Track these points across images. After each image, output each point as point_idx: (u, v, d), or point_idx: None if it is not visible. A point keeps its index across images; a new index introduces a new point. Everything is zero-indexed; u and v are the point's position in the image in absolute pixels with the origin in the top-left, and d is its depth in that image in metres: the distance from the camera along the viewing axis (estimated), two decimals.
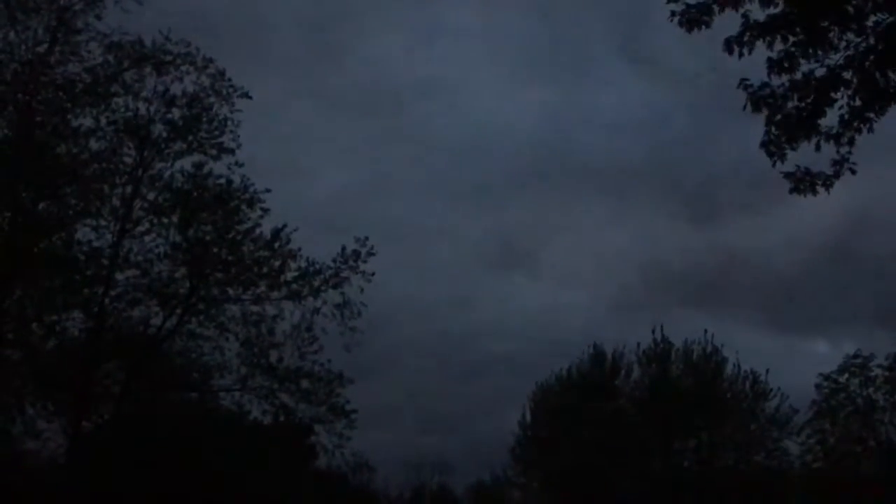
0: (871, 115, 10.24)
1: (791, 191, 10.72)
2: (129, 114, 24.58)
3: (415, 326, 57.30)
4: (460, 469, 52.65)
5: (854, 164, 10.49)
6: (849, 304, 56.56)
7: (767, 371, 38.89)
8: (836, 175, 10.57)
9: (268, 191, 25.40)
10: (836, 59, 10.16)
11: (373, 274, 25.16)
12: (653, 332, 39.97)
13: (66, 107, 23.90)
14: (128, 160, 24.72)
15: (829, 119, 10.40)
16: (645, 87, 73.67)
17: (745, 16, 10.17)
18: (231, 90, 24.97)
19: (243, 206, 25.17)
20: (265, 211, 25.26)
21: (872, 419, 36.38)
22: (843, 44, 10.10)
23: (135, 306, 25.13)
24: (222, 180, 25.12)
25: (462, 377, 59.77)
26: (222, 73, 24.94)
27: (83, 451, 25.23)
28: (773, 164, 10.55)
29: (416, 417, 56.29)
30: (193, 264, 24.88)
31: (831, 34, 10.08)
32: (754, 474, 37.87)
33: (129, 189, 24.73)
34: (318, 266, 25.19)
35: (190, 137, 24.97)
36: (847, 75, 10.17)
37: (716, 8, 10.23)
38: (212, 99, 24.93)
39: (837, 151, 10.45)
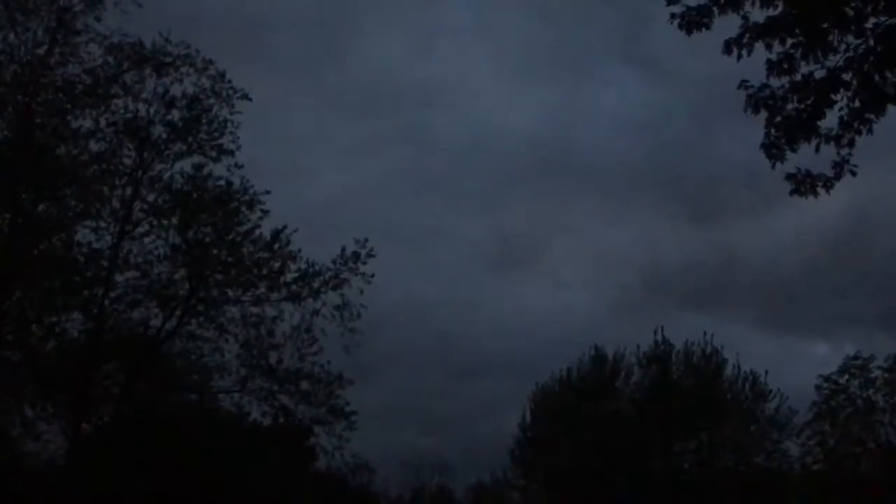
0: (871, 116, 10.24)
1: (792, 192, 10.72)
2: (129, 115, 24.64)
3: (414, 327, 57.16)
4: (460, 470, 52.59)
5: (854, 165, 10.49)
6: (849, 306, 56.51)
7: (767, 372, 38.95)
8: (837, 176, 10.58)
9: (267, 192, 25.49)
10: (835, 60, 10.16)
11: (372, 275, 25.23)
12: (654, 333, 40.03)
13: (66, 108, 23.93)
14: (127, 162, 24.79)
15: (829, 121, 10.42)
16: (645, 88, 73.69)
17: (744, 17, 10.18)
18: (231, 92, 25.04)
19: (243, 208, 25.21)
20: (265, 212, 25.33)
21: (872, 420, 36.39)
22: (843, 46, 10.10)
23: (134, 308, 25.18)
24: (222, 182, 25.20)
25: (462, 378, 59.69)
26: (222, 75, 25.02)
27: (83, 453, 25.23)
28: (773, 166, 10.56)
29: (415, 418, 56.13)
30: (193, 266, 24.89)
31: (831, 36, 10.08)
32: (754, 475, 37.85)
33: (128, 190, 24.77)
34: (317, 267, 25.25)
35: (190, 139, 25.00)
36: (847, 77, 10.16)
37: (716, 10, 10.24)
38: (212, 100, 25.01)
39: (837, 153, 10.46)
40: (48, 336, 24.43)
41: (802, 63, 10.19)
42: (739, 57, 10.17)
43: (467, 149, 77.88)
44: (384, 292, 28.15)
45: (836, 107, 10.32)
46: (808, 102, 10.33)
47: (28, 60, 23.63)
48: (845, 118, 10.32)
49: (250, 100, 25.19)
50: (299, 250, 25.29)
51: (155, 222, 24.86)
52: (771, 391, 38.68)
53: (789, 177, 10.65)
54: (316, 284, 25.11)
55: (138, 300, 24.99)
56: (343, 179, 69.07)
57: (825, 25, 10.06)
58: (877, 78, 10.06)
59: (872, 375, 36.39)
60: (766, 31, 10.13)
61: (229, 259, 25.16)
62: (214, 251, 25.19)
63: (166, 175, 25.02)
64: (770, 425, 38.51)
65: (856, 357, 36.62)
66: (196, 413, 28.30)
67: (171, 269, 25.02)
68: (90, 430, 26.31)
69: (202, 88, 24.92)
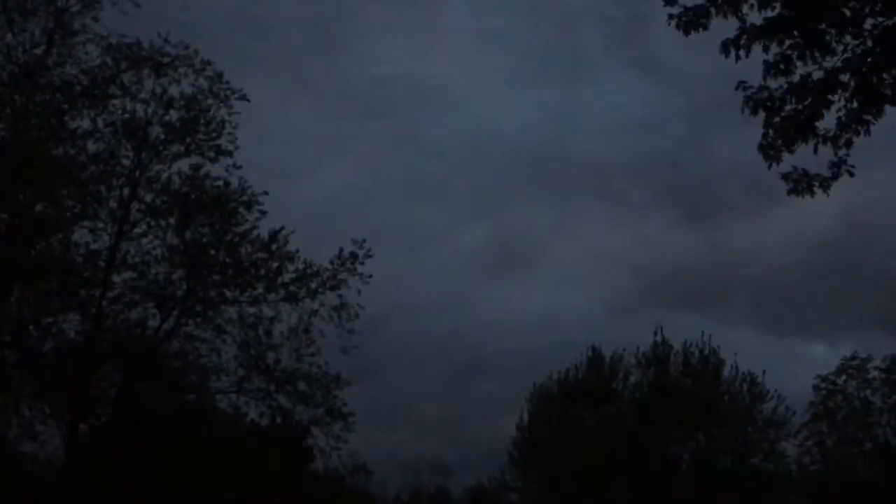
0: (869, 117, 10.26)
1: (789, 192, 10.76)
2: (127, 116, 24.63)
3: (412, 328, 57.14)
4: (458, 471, 52.59)
5: (852, 166, 10.52)
6: (846, 306, 56.56)
7: (765, 373, 38.91)
8: (834, 177, 10.60)
9: (265, 193, 25.47)
10: (833, 62, 10.18)
11: (370, 276, 25.22)
12: (655, 333, 40.02)
13: (64, 108, 23.91)
14: (125, 162, 24.77)
15: (827, 122, 10.44)
16: (643, 89, 73.74)
17: (742, 18, 10.19)
18: (229, 92, 25.04)
19: (241, 208, 25.19)
20: (263, 213, 25.32)
21: (870, 421, 36.40)
22: (841, 47, 10.11)
23: (132, 308, 25.14)
24: (220, 182, 25.17)
25: (460, 379, 59.64)
26: (220, 76, 25.01)
27: (80, 454, 25.19)
28: (769, 167, 10.59)
29: (413, 419, 56.08)
30: (191, 266, 24.87)
31: (828, 37, 10.09)
32: (752, 476, 37.85)
33: (126, 191, 24.74)
34: (315, 268, 25.23)
35: (188, 139, 24.99)
36: (844, 78, 10.18)
37: (713, 11, 10.24)
38: (210, 101, 24.98)
39: (835, 154, 10.48)
40: (45, 337, 24.40)
41: (800, 64, 10.21)
42: (738, 58, 10.19)
43: (466, 150, 77.96)
44: (382, 293, 28.18)
45: (834, 108, 10.35)
46: (806, 103, 10.34)
47: (25, 61, 23.63)
48: (843, 119, 10.34)
49: (248, 100, 25.23)
50: (297, 251, 25.32)
51: (153, 223, 24.85)
52: (768, 392, 38.70)
53: (786, 176, 10.68)
54: (314, 285, 25.11)
55: (136, 301, 24.97)
56: (341, 180, 69.11)
57: (823, 26, 10.07)
58: (875, 79, 10.07)
59: (870, 376, 36.40)
60: (763, 33, 10.14)
61: (227, 259, 25.15)
62: (212, 252, 25.17)
63: (164, 175, 25.02)
64: (768, 426, 38.50)
65: (853, 358, 36.65)
66: (194, 414, 28.27)
67: (169, 270, 25.02)
68: (88, 431, 26.28)
69: (200, 89, 24.93)
